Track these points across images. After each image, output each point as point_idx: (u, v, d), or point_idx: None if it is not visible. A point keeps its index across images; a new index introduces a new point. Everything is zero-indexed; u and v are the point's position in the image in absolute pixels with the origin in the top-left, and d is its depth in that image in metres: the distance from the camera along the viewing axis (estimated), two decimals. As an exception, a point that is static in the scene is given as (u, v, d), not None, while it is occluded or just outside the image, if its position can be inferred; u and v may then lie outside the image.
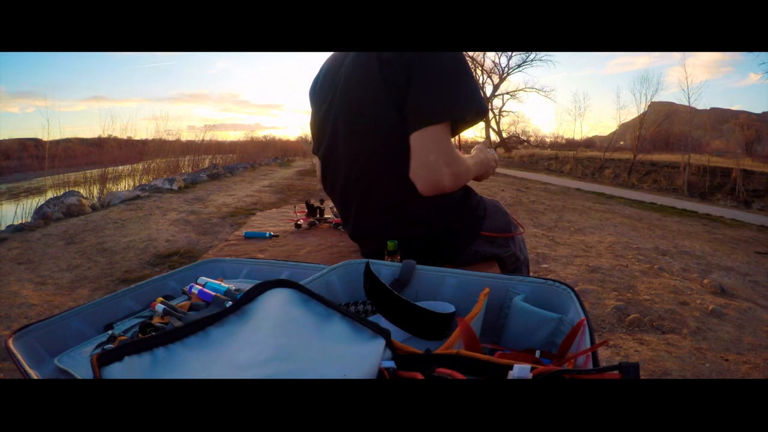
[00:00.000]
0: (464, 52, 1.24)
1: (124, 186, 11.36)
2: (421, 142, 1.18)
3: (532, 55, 37.06)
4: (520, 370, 0.54)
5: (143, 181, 11.63)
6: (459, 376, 0.57)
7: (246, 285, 0.98)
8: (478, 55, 36.03)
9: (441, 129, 1.18)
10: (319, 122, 1.48)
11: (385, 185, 1.32)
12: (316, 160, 1.68)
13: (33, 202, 8.39)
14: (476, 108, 1.20)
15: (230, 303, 0.75)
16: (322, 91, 1.45)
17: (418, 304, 0.85)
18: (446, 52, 1.18)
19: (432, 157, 1.17)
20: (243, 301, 0.66)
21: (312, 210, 2.19)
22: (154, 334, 0.62)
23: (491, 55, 37.69)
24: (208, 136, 18.39)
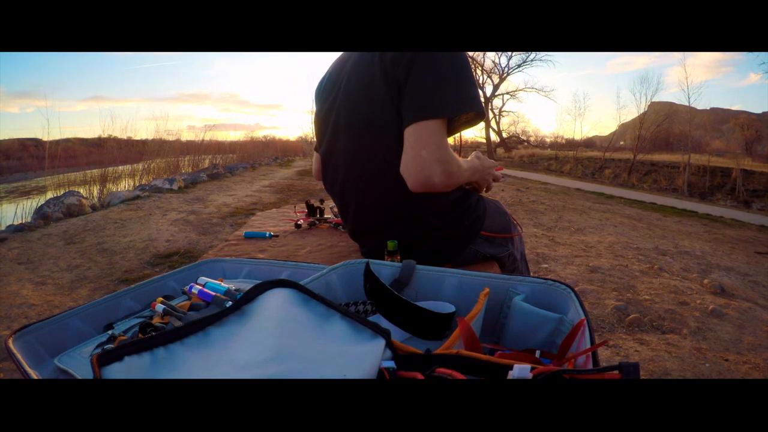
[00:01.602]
0: (465, 53, 1.23)
1: (124, 186, 11.35)
2: (414, 136, 1.16)
3: (532, 55, 37.03)
4: (520, 370, 0.54)
5: (143, 181, 11.63)
6: (459, 376, 0.57)
7: (246, 285, 0.98)
8: (478, 55, 35.96)
9: (435, 125, 1.16)
10: (321, 121, 1.50)
11: (383, 184, 1.31)
12: (314, 156, 1.70)
13: (33, 202, 8.39)
14: (472, 107, 1.19)
15: (230, 303, 0.75)
16: (326, 91, 1.47)
17: (418, 304, 0.85)
18: (447, 53, 1.17)
19: (424, 153, 1.15)
20: (243, 301, 0.66)
21: (312, 210, 2.19)
22: (154, 334, 0.62)
23: (491, 55, 37.58)
24: (208, 136, 18.46)
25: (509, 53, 37.06)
